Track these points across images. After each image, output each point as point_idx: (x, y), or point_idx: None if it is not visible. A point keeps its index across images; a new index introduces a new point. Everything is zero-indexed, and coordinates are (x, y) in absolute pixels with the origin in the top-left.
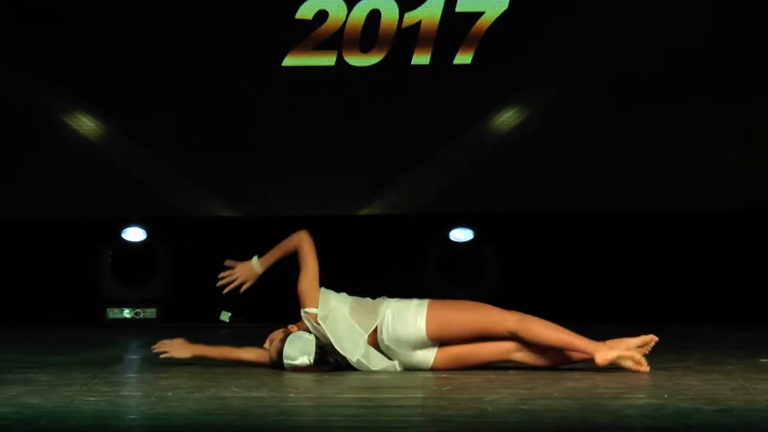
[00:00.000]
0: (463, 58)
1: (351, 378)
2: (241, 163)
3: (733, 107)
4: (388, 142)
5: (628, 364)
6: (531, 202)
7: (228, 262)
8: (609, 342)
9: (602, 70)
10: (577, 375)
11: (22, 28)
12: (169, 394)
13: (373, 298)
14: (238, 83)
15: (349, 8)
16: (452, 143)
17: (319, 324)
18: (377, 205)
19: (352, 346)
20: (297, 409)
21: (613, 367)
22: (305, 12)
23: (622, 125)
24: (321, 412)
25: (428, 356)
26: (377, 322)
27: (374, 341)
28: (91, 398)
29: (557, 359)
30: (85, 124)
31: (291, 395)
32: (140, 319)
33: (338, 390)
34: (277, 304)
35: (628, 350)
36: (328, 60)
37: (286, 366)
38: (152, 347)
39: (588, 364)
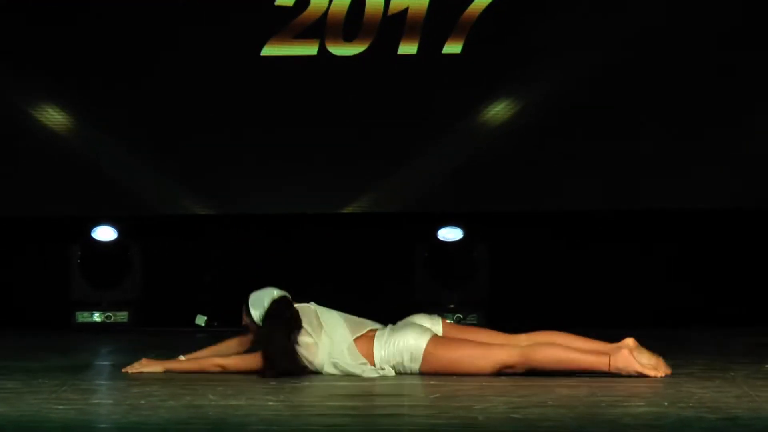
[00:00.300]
0: (452, 47)
1: (334, 385)
2: (218, 159)
3: (733, 106)
4: (372, 136)
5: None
6: (525, 199)
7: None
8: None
9: (601, 59)
10: (573, 382)
11: None
12: (142, 402)
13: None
14: (214, 74)
15: None
16: (441, 137)
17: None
18: (361, 202)
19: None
20: (277, 418)
21: (611, 374)
22: None
23: (620, 120)
24: (303, 421)
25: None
26: (371, 327)
27: (367, 342)
28: (60, 406)
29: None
30: (54, 117)
31: (270, 403)
32: (111, 322)
33: (321, 398)
34: None
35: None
36: (309, 49)
37: (258, 319)
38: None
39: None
